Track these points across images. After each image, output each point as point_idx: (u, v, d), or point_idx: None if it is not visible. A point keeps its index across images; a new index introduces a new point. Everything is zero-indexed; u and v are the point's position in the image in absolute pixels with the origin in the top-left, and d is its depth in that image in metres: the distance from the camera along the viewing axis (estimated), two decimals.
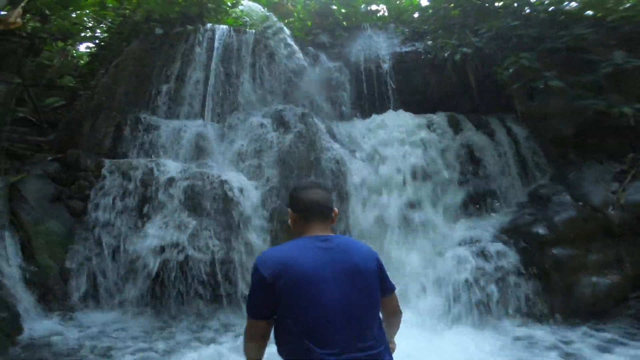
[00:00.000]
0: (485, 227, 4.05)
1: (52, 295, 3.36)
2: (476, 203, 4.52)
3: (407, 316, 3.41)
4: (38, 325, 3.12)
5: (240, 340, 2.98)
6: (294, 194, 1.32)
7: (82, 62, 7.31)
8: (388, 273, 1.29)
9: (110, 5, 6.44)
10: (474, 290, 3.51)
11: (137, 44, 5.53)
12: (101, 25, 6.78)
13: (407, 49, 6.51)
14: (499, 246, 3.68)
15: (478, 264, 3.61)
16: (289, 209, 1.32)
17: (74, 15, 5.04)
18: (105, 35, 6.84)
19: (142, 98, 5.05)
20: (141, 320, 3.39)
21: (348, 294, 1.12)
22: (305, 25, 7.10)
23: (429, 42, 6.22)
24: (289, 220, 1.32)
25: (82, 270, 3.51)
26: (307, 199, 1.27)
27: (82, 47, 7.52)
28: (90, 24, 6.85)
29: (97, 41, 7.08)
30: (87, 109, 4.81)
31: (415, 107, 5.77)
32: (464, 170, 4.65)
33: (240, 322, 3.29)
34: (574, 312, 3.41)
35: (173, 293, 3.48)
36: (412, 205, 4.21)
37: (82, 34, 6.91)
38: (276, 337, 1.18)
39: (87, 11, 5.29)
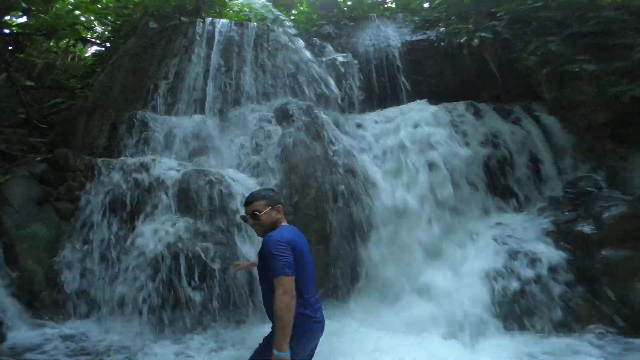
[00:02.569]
0: (517, 225, 3.58)
1: (39, 302, 3.11)
2: (504, 198, 4.04)
3: (434, 327, 2.96)
4: (23, 333, 2.88)
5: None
6: (274, 194, 1.98)
7: (88, 63, 7.24)
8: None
9: (112, 5, 6.33)
10: (506, 298, 3.05)
11: (133, 41, 5.34)
12: (107, 26, 6.68)
13: (418, 38, 6.12)
14: (536, 247, 3.19)
15: (511, 267, 3.14)
16: (266, 205, 1.90)
17: (70, 11, 4.85)
18: (110, 36, 6.74)
19: (139, 95, 4.83)
20: (134, 328, 3.09)
21: (312, 262, 1.94)
22: (310, 16, 6.81)
23: (442, 29, 5.81)
24: (265, 214, 1.88)
25: (71, 276, 3.24)
26: (280, 198, 2.01)
27: (93, 49, 7.50)
28: (94, 25, 6.77)
29: (99, 42, 7.00)
30: (82, 107, 4.61)
31: (429, 97, 5.36)
32: (489, 162, 4.18)
33: (232, 336, 2.93)
34: (628, 323, 2.90)
35: (168, 300, 3.15)
36: (435, 201, 3.75)
37: (89, 36, 6.85)
38: None
39: (79, 12, 5.10)
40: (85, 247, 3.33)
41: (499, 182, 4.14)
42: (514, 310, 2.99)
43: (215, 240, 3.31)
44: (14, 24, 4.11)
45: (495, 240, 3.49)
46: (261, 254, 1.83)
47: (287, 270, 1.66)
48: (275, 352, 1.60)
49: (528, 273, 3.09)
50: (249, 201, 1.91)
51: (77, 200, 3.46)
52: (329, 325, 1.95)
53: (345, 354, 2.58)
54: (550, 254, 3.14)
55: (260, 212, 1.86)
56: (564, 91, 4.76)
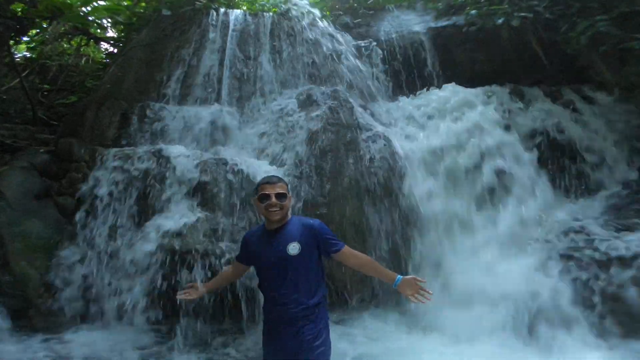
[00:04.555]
0: (589, 211, 2.99)
1: (33, 310, 2.67)
2: (568, 186, 3.47)
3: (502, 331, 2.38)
4: (11, 347, 2.42)
5: None
6: None
7: (100, 60, 7.11)
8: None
9: (125, 3, 6.20)
10: (582, 300, 2.45)
11: (146, 32, 5.12)
12: (120, 25, 6.54)
13: (444, 24, 5.72)
14: (628, 236, 2.58)
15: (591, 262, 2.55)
16: (288, 190, 1.81)
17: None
18: (123, 36, 6.60)
19: (152, 86, 4.52)
20: (143, 340, 2.62)
21: None
22: (325, 7, 6.53)
23: (473, 12, 5.38)
24: (289, 198, 1.80)
25: (72, 280, 2.80)
26: None
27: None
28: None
29: (112, 42, 6.88)
30: (91, 99, 4.31)
31: (461, 85, 4.90)
32: (543, 147, 3.64)
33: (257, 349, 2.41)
34: None
35: (182, 309, 2.67)
36: (489, 192, 3.22)
37: (96, 33, 6.72)
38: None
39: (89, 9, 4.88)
40: (88, 247, 2.90)
41: (559, 170, 3.58)
42: (589, 320, 2.40)
43: (235, 239, 2.84)
44: (19, 8, 3.89)
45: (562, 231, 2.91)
46: (306, 241, 1.70)
47: None
48: (396, 280, 1.65)
49: (612, 271, 2.49)
50: (273, 181, 1.76)
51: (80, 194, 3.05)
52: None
53: None
54: None
55: (287, 194, 1.76)
56: (624, 71, 4.23)
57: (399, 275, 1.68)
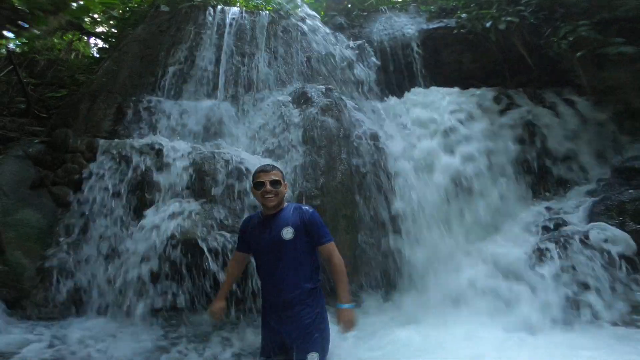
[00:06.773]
0: (567, 209, 3.18)
1: (27, 299, 2.68)
2: (545, 184, 3.67)
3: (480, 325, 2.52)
4: (6, 336, 2.42)
5: None
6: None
7: (90, 55, 7.03)
8: None
9: None
10: (565, 286, 2.64)
11: (142, 28, 5.11)
12: (114, 20, 6.48)
13: (435, 26, 5.91)
14: (599, 227, 2.77)
15: (569, 252, 2.73)
16: (282, 178, 1.89)
17: None
18: (113, 34, 6.54)
19: (147, 80, 4.53)
20: (138, 330, 2.63)
21: None
22: (320, 7, 6.65)
23: (463, 15, 5.59)
24: (284, 185, 1.88)
25: (67, 270, 2.81)
26: None
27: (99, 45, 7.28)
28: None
29: (104, 37, 6.81)
30: (85, 92, 4.30)
31: (448, 86, 5.10)
32: (524, 148, 3.83)
33: (255, 343, 2.47)
34: None
35: (179, 298, 2.72)
36: (470, 191, 3.37)
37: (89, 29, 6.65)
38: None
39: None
40: (83, 236, 2.92)
41: (539, 170, 3.78)
42: (563, 304, 2.58)
43: (232, 230, 2.91)
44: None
45: (542, 226, 3.09)
46: (299, 226, 1.77)
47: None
48: (346, 306, 1.71)
49: (583, 259, 2.68)
50: (267, 169, 1.85)
51: (76, 185, 3.07)
52: None
53: None
54: (613, 236, 2.72)
55: (281, 181, 1.84)
56: (601, 75, 4.48)
57: (340, 304, 1.71)
